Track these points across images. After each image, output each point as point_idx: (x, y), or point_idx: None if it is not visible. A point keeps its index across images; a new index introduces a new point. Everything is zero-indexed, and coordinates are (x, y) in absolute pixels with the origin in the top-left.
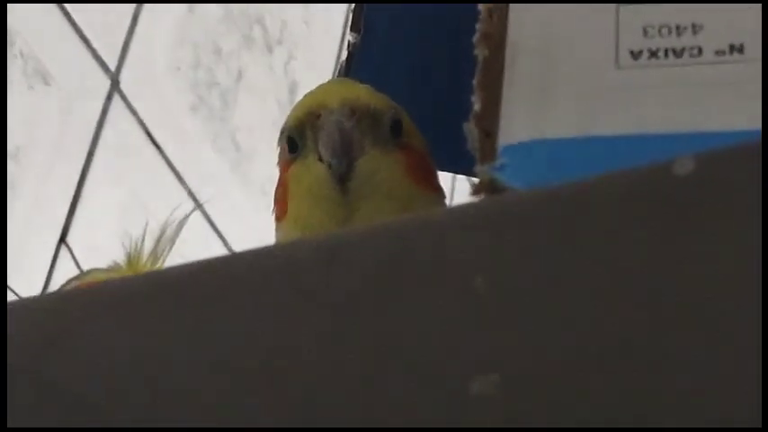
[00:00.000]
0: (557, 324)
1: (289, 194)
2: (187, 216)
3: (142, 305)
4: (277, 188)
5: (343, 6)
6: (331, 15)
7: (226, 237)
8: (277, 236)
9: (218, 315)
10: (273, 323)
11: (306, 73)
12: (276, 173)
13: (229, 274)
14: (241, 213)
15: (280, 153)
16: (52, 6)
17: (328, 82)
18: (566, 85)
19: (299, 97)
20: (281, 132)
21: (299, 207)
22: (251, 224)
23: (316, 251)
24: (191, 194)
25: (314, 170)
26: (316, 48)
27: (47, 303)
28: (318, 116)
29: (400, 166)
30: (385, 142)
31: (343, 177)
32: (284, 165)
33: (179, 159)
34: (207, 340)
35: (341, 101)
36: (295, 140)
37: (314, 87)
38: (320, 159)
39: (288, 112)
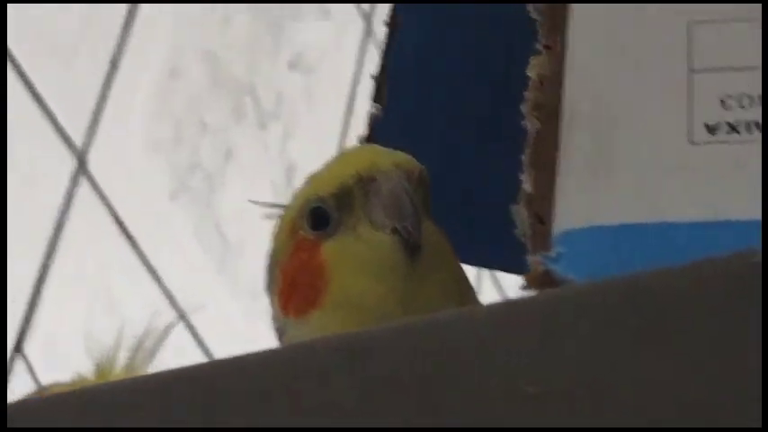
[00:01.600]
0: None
1: (327, 276)
2: (170, 327)
3: (131, 414)
4: (292, 274)
5: (350, 72)
6: (336, 84)
7: (207, 345)
8: (301, 331)
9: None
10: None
11: (305, 152)
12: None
13: (247, 375)
14: (226, 318)
15: (285, 233)
16: (9, 71)
17: (361, 147)
18: (630, 164)
19: (297, 181)
20: (296, 208)
21: (349, 287)
22: (237, 331)
23: (340, 351)
24: (168, 297)
25: (374, 241)
26: (317, 123)
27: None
28: (373, 179)
29: (449, 243)
30: (429, 214)
31: (416, 247)
32: (306, 245)
33: (155, 254)
34: None
35: (395, 164)
36: (326, 214)
37: (336, 156)
38: (377, 229)
39: (284, 198)
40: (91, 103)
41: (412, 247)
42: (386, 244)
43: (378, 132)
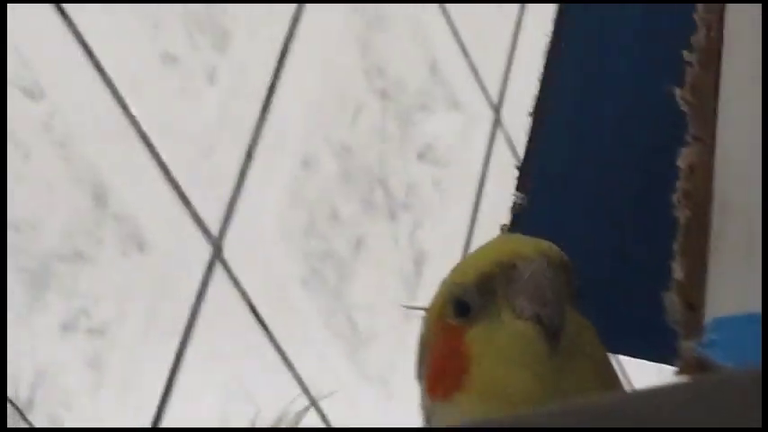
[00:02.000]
0: None
1: (473, 362)
2: (303, 411)
3: None
4: (439, 360)
5: (478, 163)
6: (465, 174)
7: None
8: (447, 414)
9: None
10: None
11: (434, 242)
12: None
13: None
14: (356, 405)
15: (434, 321)
16: (148, 160)
17: (503, 236)
18: None
19: (427, 271)
20: (442, 297)
21: (492, 373)
22: (367, 418)
23: None
24: (300, 384)
25: (515, 329)
26: (445, 213)
27: None
28: (514, 266)
29: (593, 331)
30: (572, 302)
31: (556, 333)
32: (452, 332)
33: (287, 340)
34: None
35: (537, 251)
36: (466, 302)
37: (482, 246)
38: (518, 317)
39: (413, 288)
40: (227, 193)
41: (553, 334)
42: (527, 332)
43: (521, 221)
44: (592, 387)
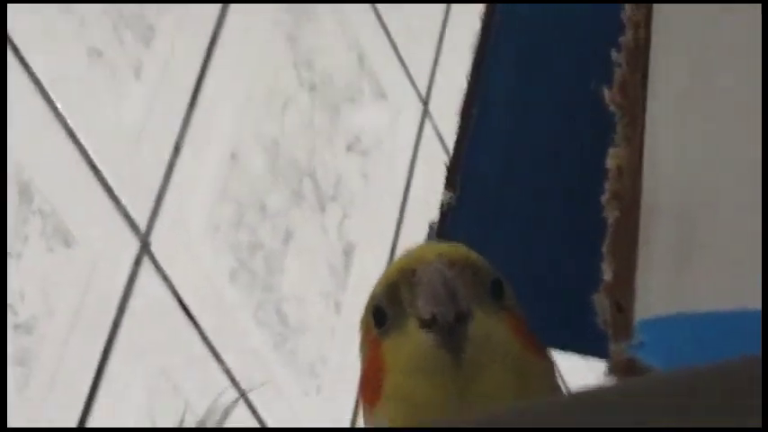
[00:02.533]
0: None
1: (386, 373)
2: (232, 405)
3: None
4: (366, 371)
5: (406, 154)
6: (394, 165)
7: (267, 423)
8: (369, 423)
9: None
10: None
11: (363, 234)
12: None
13: None
14: (286, 398)
15: (364, 332)
16: (75, 155)
17: (417, 245)
18: (713, 251)
19: (355, 262)
20: (366, 309)
21: (400, 384)
22: (296, 411)
23: None
24: (229, 375)
25: (416, 337)
26: (375, 205)
27: None
28: (414, 271)
29: (511, 331)
30: (487, 304)
31: (454, 339)
32: (373, 343)
33: (216, 333)
34: None
35: (438, 253)
36: (384, 311)
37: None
38: (422, 326)
39: (342, 279)
40: (155, 187)
41: (452, 343)
42: (427, 342)
43: (449, 220)
44: (507, 393)
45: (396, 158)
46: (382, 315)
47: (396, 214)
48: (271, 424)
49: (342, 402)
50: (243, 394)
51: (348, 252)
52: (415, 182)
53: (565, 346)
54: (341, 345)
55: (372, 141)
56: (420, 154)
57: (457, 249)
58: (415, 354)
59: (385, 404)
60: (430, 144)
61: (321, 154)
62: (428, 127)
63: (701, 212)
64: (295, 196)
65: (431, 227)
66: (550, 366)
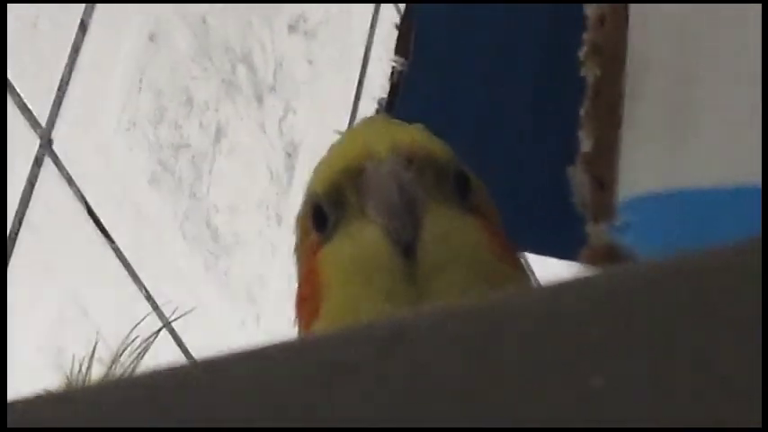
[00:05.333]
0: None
1: (324, 283)
2: (153, 336)
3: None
4: (301, 287)
5: (360, 34)
6: (345, 48)
7: (195, 357)
8: None
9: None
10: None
11: (310, 131)
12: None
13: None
14: (217, 328)
15: (299, 239)
16: None
17: (364, 123)
18: (712, 117)
19: (300, 164)
20: (303, 207)
21: (344, 296)
22: (230, 343)
23: (368, 340)
24: (149, 300)
25: (364, 238)
26: (323, 96)
27: None
28: (362, 170)
29: (476, 232)
30: (450, 202)
31: (409, 245)
32: (311, 250)
33: (132, 248)
34: None
35: (391, 146)
36: (325, 213)
37: (342, 135)
38: (370, 224)
39: (284, 185)
40: (57, 75)
41: (405, 247)
42: (376, 244)
43: (401, 92)
44: None
45: (348, 40)
46: (322, 217)
47: (348, 108)
48: (195, 353)
49: (285, 333)
50: (166, 323)
51: (291, 153)
52: (371, 69)
53: (539, 249)
54: (283, 264)
55: (320, 19)
56: (378, 34)
57: (414, 136)
58: (361, 259)
59: (324, 323)
60: (390, 23)
61: (258, 35)
62: (387, 5)
63: (699, 71)
64: (227, 86)
65: (380, 103)
66: (523, 275)
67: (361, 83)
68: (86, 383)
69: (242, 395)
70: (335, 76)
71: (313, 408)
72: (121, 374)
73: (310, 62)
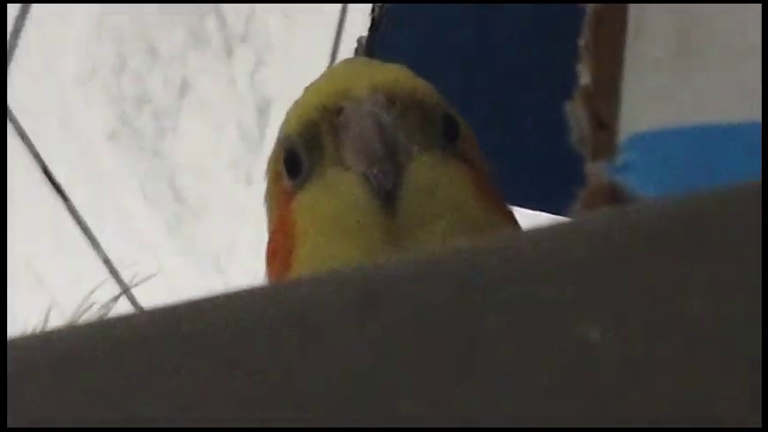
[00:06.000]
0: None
1: (297, 234)
2: (111, 302)
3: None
4: (273, 238)
5: None
6: None
7: None
8: None
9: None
10: (282, 382)
11: (283, 85)
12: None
13: (223, 318)
14: (182, 295)
15: (270, 184)
16: None
17: (344, 63)
18: (716, 51)
19: (273, 120)
20: (275, 150)
21: (319, 246)
22: None
23: (344, 288)
24: (108, 266)
25: (341, 187)
26: (298, 48)
27: None
28: (340, 110)
29: (464, 180)
30: (437, 147)
31: (389, 194)
32: (283, 198)
33: (90, 209)
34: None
35: (372, 86)
36: (299, 157)
37: (321, 75)
38: (348, 171)
39: (255, 143)
40: (10, 21)
41: (385, 195)
42: (354, 191)
43: (383, 29)
44: None
45: None
46: (296, 162)
47: (325, 59)
48: None
49: None
50: (125, 290)
51: (263, 109)
52: (349, 18)
53: (533, 203)
54: (254, 229)
55: None
56: None
57: (397, 76)
58: (337, 206)
59: (295, 274)
60: None
61: None
62: None
63: (703, 3)
64: (193, 36)
65: (359, 41)
66: (515, 228)
67: (338, 34)
68: None
69: (208, 346)
70: (311, 27)
71: (287, 363)
72: None
73: (284, 11)
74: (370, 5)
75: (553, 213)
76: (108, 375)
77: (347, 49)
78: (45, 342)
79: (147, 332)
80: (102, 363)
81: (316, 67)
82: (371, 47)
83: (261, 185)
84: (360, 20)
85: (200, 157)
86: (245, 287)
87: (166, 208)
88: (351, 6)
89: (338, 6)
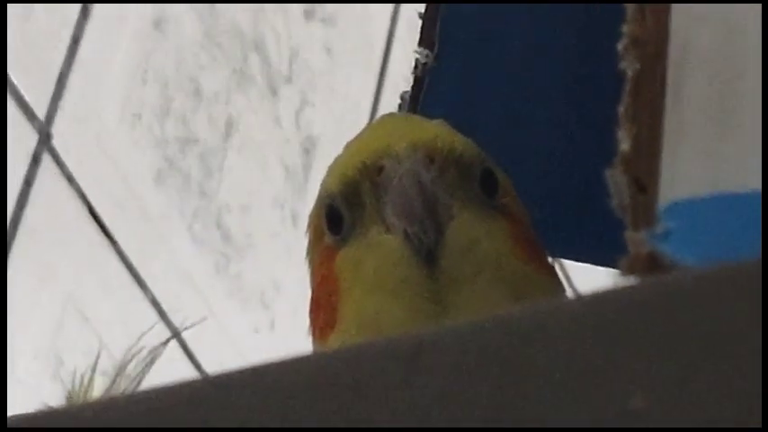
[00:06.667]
0: None
1: (341, 292)
2: (161, 346)
3: None
4: (316, 291)
5: (383, 20)
6: (365, 36)
7: (206, 369)
8: None
9: None
10: None
11: (328, 124)
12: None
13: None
14: (229, 336)
15: (312, 240)
16: None
17: (383, 119)
18: (757, 116)
19: (318, 161)
20: (317, 206)
21: (363, 305)
22: (243, 350)
23: (390, 353)
24: (156, 308)
25: (384, 247)
26: (343, 88)
27: None
28: (381, 169)
29: (505, 236)
30: (477, 203)
31: (431, 252)
32: (325, 254)
33: (137, 251)
34: None
35: (411, 144)
36: (340, 214)
37: (360, 131)
38: (388, 232)
39: (300, 183)
40: (56, 65)
41: (426, 255)
42: (396, 251)
43: (426, 86)
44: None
45: (368, 27)
46: (337, 218)
47: (369, 100)
48: (209, 368)
49: (300, 340)
50: (175, 333)
51: (308, 149)
52: (393, 56)
53: (577, 255)
54: (298, 267)
55: (338, 5)
56: (400, 20)
57: (436, 133)
58: (380, 266)
59: (341, 333)
60: (413, 10)
61: (271, 21)
62: None
63: (743, 67)
64: (238, 76)
65: (402, 97)
66: (555, 282)
67: (382, 73)
68: (88, 397)
69: (256, 413)
70: (355, 67)
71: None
72: (126, 388)
73: (328, 51)
74: (414, 42)
75: (594, 264)
76: None
77: (391, 88)
78: None
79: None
80: None
81: (359, 108)
82: (415, 102)
83: (305, 224)
84: (402, 59)
85: (246, 196)
86: (291, 358)
87: (213, 248)
88: (395, 45)
89: (382, 48)
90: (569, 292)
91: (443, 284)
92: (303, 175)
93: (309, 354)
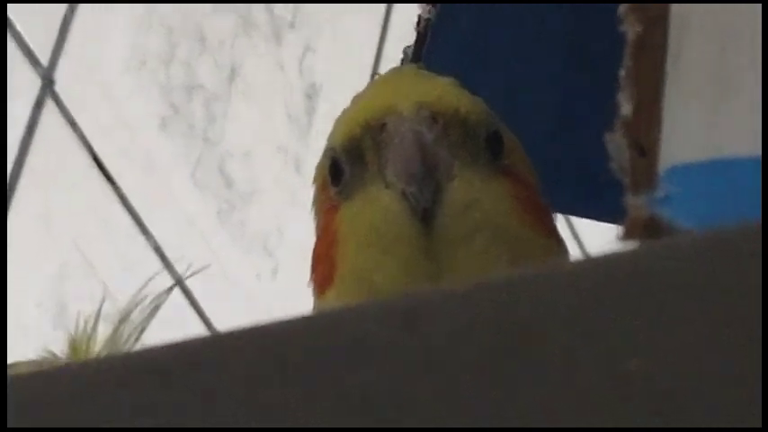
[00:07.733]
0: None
1: (339, 247)
2: (165, 293)
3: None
4: (317, 243)
5: None
6: None
7: (209, 315)
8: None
9: (253, 402)
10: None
11: (331, 71)
12: (306, 224)
13: (271, 347)
14: (232, 283)
15: (318, 191)
16: None
17: (391, 75)
18: (756, 81)
19: (321, 106)
20: (322, 159)
21: (359, 261)
22: (245, 297)
23: (384, 315)
24: (159, 254)
25: (381, 204)
26: (346, 34)
27: None
28: (383, 126)
29: (506, 197)
30: (480, 164)
31: (427, 211)
32: (328, 206)
33: (140, 196)
34: None
35: (416, 102)
36: (343, 168)
37: (367, 85)
38: (389, 187)
39: (303, 129)
40: (59, 9)
41: (422, 213)
42: (393, 208)
43: (429, 43)
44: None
45: None
46: (341, 172)
47: (373, 47)
48: (213, 316)
49: (302, 287)
50: (178, 281)
51: (311, 95)
52: (398, 4)
53: (574, 209)
54: (302, 214)
55: None
56: None
57: (442, 91)
58: (376, 222)
59: (337, 288)
60: None
61: None
62: None
63: (749, 25)
64: (242, 22)
65: (405, 52)
66: (558, 245)
67: (387, 19)
68: (91, 344)
69: (253, 374)
70: (359, 13)
71: (327, 387)
72: (130, 335)
73: None
74: None
75: (600, 220)
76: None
77: (395, 35)
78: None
79: (212, 356)
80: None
81: (363, 55)
82: (417, 58)
83: (309, 170)
84: (407, 5)
85: (250, 142)
86: (286, 319)
87: (216, 194)
88: None
89: None
90: (575, 254)
91: (439, 243)
92: (306, 121)
93: (300, 316)
